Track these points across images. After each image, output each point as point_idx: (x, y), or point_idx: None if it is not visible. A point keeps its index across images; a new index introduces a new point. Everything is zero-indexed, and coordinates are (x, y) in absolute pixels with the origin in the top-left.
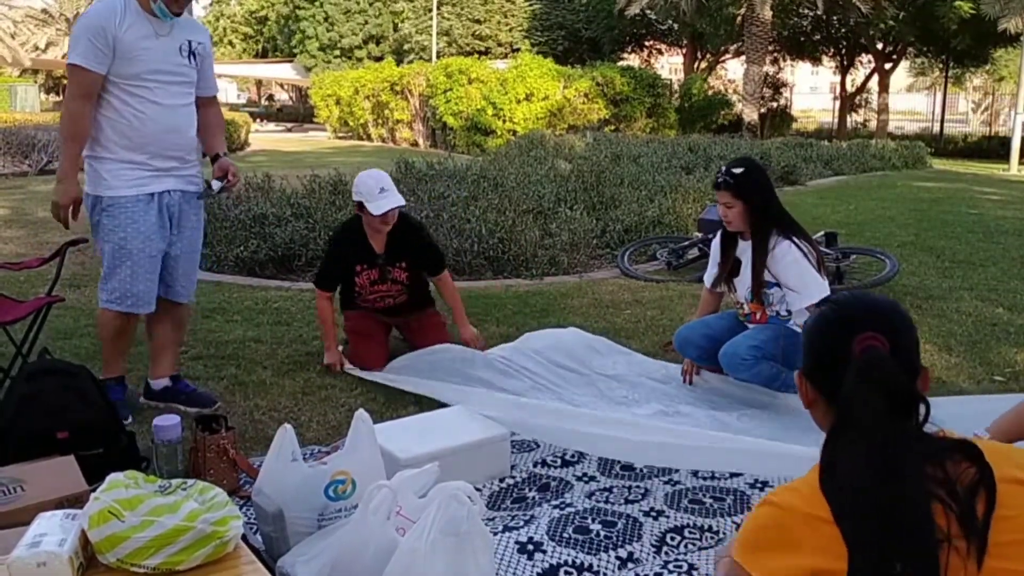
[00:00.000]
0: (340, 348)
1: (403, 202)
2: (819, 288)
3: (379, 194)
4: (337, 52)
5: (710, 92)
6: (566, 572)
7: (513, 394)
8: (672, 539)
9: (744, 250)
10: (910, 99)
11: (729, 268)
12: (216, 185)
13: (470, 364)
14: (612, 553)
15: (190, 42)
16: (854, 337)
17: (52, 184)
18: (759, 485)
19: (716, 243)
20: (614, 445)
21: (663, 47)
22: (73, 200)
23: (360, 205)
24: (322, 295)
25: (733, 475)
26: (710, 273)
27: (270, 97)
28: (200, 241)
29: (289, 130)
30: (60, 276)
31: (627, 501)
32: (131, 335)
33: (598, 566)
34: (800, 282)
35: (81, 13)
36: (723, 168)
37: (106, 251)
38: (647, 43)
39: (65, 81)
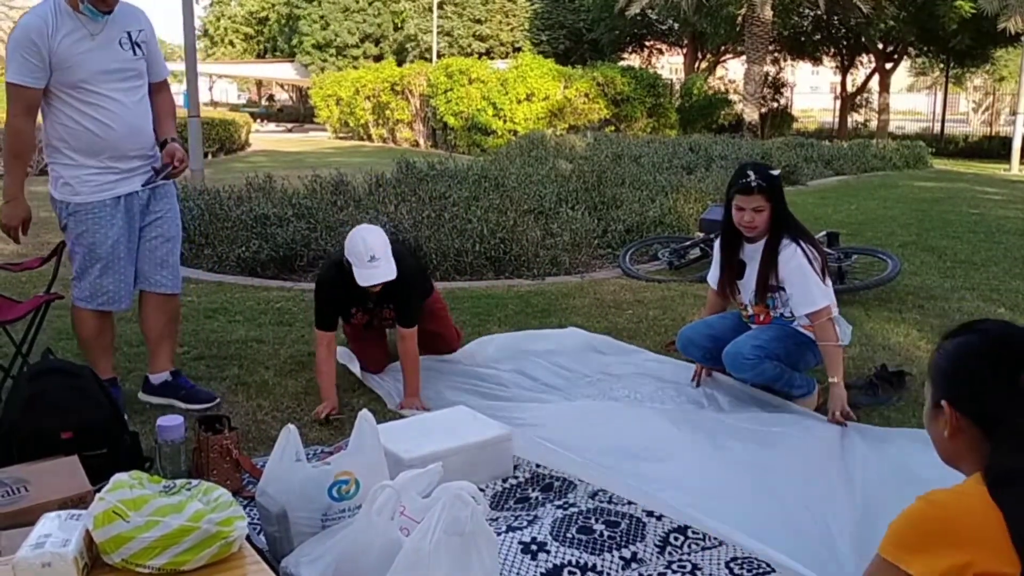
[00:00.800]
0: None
1: (393, 275)
2: (823, 294)
3: (368, 263)
4: (333, 51)
5: (710, 92)
6: (570, 572)
7: (515, 401)
8: (676, 539)
9: (750, 253)
10: (911, 99)
11: (734, 272)
12: (160, 168)
13: (472, 373)
14: (616, 553)
15: (129, 33)
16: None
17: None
18: None
19: (718, 245)
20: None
21: (664, 47)
22: (22, 220)
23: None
24: (322, 337)
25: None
26: (713, 274)
27: (270, 97)
28: (177, 229)
29: (289, 130)
30: (58, 274)
31: (630, 501)
32: (110, 333)
33: (602, 566)
34: (804, 288)
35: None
36: (751, 171)
37: (76, 253)
38: (647, 43)
39: None
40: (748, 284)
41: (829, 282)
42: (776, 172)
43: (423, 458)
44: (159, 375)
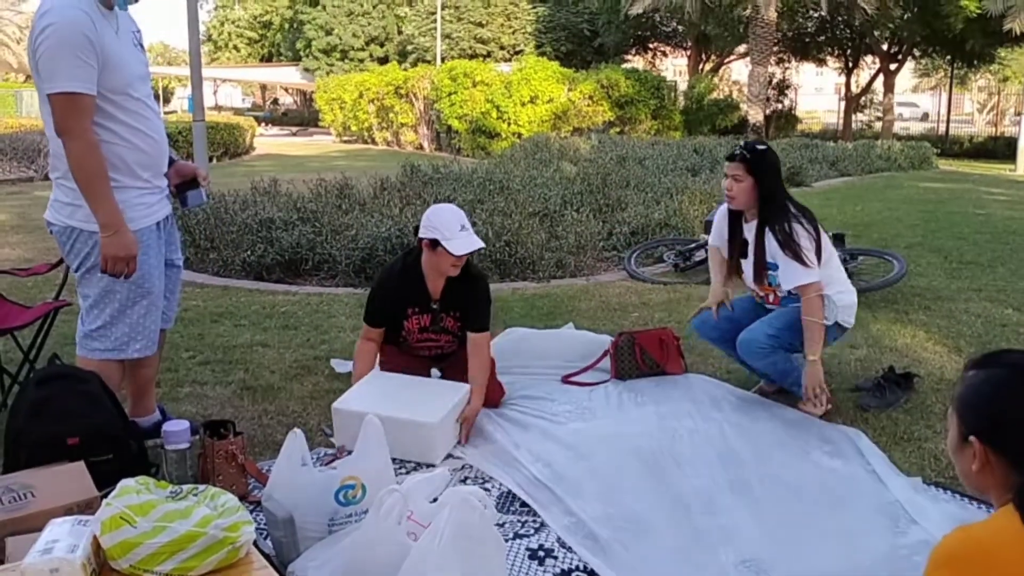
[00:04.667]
0: None
1: (483, 243)
2: (807, 272)
3: (460, 231)
4: (338, 55)
5: (717, 94)
6: None
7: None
8: None
9: (749, 231)
10: (915, 99)
11: (738, 249)
12: (204, 194)
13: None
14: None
15: (133, 32)
16: None
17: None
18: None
19: (719, 216)
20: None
21: (667, 49)
22: (137, 249)
23: (433, 242)
24: (369, 332)
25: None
26: (714, 237)
27: (275, 101)
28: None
29: (294, 134)
30: (67, 281)
31: None
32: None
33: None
34: (787, 264)
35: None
36: (741, 142)
37: (116, 291)
38: (651, 45)
39: None
40: (749, 265)
41: (837, 262)
42: (761, 147)
43: (349, 413)
44: (151, 417)
